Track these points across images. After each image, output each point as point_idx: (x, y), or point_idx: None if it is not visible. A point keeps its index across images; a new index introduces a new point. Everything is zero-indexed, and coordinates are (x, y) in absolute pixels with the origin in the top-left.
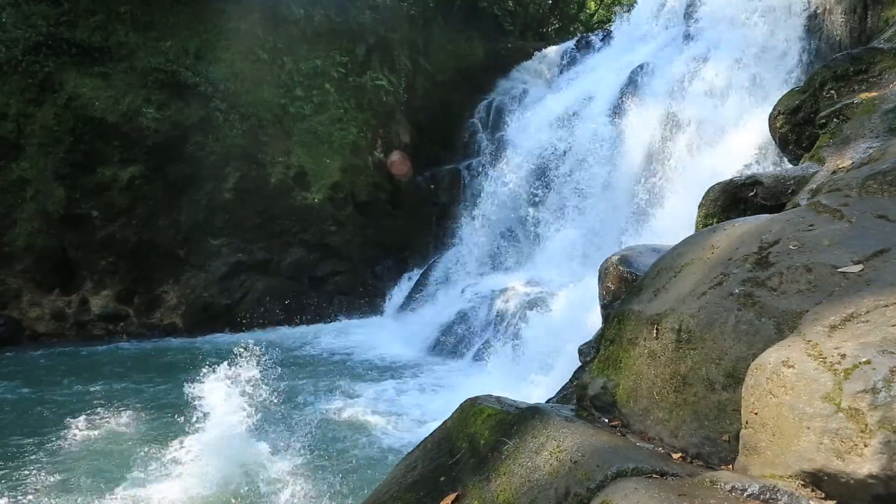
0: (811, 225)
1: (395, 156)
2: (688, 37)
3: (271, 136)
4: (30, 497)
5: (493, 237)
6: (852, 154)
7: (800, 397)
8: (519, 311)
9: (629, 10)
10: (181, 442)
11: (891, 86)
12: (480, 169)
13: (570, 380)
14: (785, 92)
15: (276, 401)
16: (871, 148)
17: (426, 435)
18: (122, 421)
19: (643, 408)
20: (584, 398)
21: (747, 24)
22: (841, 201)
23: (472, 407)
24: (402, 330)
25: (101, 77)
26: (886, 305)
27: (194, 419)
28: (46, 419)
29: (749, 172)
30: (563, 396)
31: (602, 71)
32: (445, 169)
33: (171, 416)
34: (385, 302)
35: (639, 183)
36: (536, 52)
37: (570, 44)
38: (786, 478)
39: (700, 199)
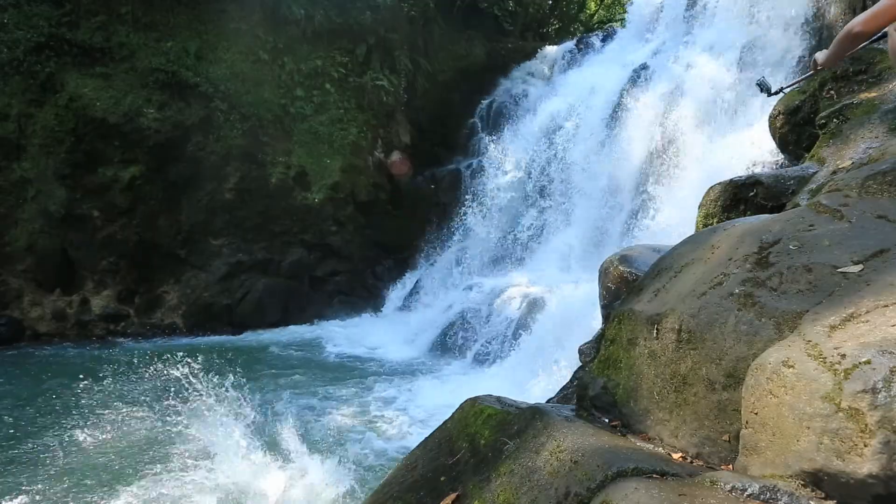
0: (811, 225)
1: (395, 156)
2: (688, 35)
3: (272, 136)
4: (30, 497)
5: (494, 237)
6: (852, 154)
7: (800, 397)
8: (519, 311)
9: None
10: (183, 442)
11: (891, 86)
12: (480, 169)
13: (571, 380)
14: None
15: (276, 401)
16: (871, 148)
17: (426, 435)
18: (123, 421)
19: (643, 408)
20: (584, 398)
21: (747, 23)
22: (841, 201)
23: (472, 407)
24: (402, 330)
25: (103, 77)
26: (886, 305)
27: (196, 419)
28: (47, 419)
29: (749, 172)
30: (563, 396)
31: (603, 70)
32: (445, 169)
33: (172, 416)
34: (385, 302)
35: (640, 182)
36: (536, 52)
37: (571, 44)
38: (786, 478)
39: (700, 199)
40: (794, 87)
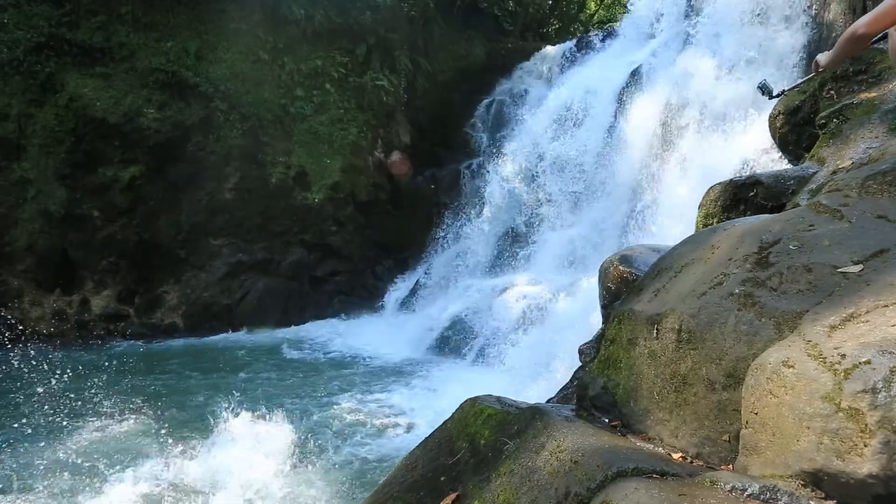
0: (811, 225)
1: (395, 156)
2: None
3: (272, 136)
4: (31, 496)
5: (494, 237)
6: (852, 154)
7: (800, 397)
8: (519, 311)
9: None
10: (183, 442)
11: (891, 86)
12: (480, 169)
13: (571, 380)
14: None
15: (273, 400)
16: (871, 148)
17: (426, 435)
18: (124, 420)
19: (643, 408)
20: (584, 398)
21: (746, 24)
22: (841, 201)
23: (472, 407)
24: (402, 330)
25: (103, 77)
26: (886, 305)
27: (196, 420)
28: (47, 419)
29: (749, 172)
30: (563, 396)
31: (602, 70)
32: (445, 169)
33: (173, 416)
34: (385, 302)
35: (639, 182)
36: (536, 52)
37: (571, 44)
38: (786, 478)
39: (700, 199)
40: (796, 89)
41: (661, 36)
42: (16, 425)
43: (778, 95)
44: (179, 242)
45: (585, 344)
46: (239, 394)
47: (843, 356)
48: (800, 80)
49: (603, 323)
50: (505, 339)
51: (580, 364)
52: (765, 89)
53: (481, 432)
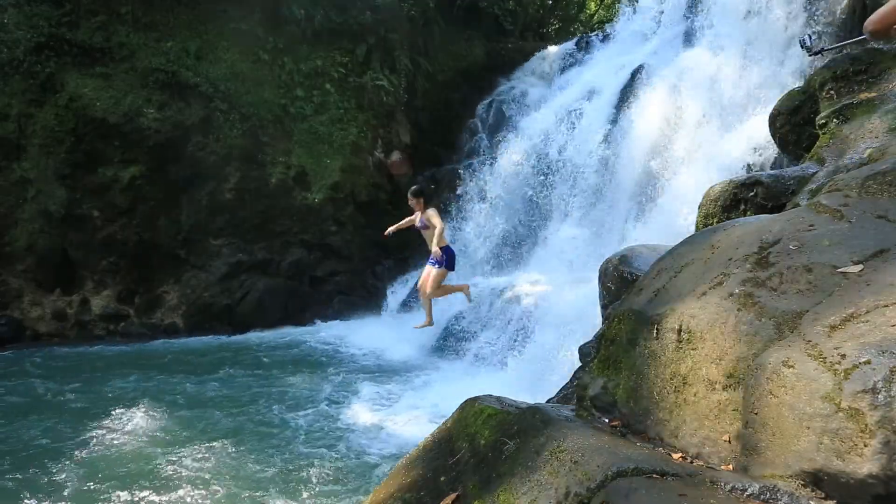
0: (811, 225)
1: (395, 156)
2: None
3: (272, 137)
4: (35, 496)
5: (494, 237)
6: (852, 154)
7: (800, 397)
8: (519, 311)
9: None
10: (183, 441)
11: (891, 86)
12: (480, 169)
13: (571, 380)
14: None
15: (272, 401)
16: (870, 148)
17: (426, 435)
18: (124, 420)
19: (643, 408)
20: (584, 398)
21: (748, 22)
22: (841, 201)
23: (472, 407)
24: (402, 330)
25: (103, 77)
26: (886, 305)
27: (197, 419)
28: (48, 418)
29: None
30: (563, 396)
31: (603, 69)
32: (445, 169)
33: (173, 416)
34: (385, 302)
35: (641, 182)
36: (536, 52)
37: (571, 44)
38: (786, 478)
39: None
40: (836, 49)
41: (661, 34)
42: (14, 425)
43: (818, 53)
44: (179, 242)
45: (586, 344)
46: (239, 393)
47: (843, 356)
48: (844, 42)
49: (603, 323)
50: (505, 339)
51: (580, 364)
52: (804, 44)
53: (481, 432)
